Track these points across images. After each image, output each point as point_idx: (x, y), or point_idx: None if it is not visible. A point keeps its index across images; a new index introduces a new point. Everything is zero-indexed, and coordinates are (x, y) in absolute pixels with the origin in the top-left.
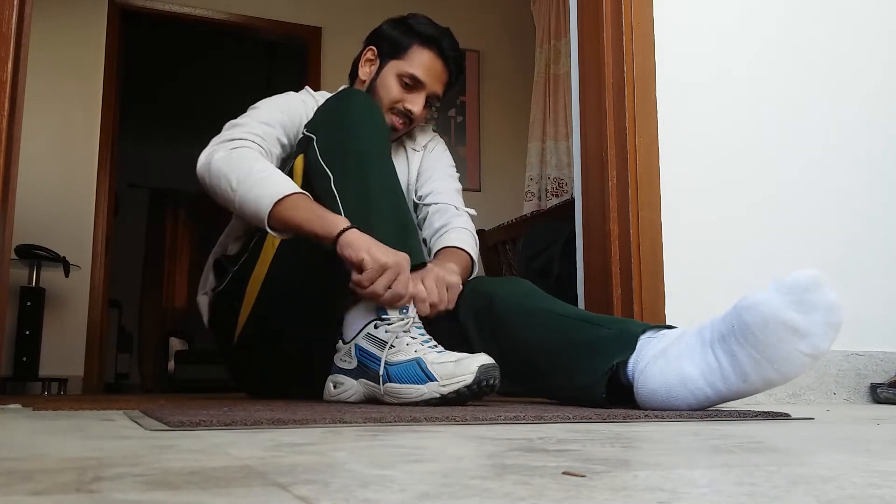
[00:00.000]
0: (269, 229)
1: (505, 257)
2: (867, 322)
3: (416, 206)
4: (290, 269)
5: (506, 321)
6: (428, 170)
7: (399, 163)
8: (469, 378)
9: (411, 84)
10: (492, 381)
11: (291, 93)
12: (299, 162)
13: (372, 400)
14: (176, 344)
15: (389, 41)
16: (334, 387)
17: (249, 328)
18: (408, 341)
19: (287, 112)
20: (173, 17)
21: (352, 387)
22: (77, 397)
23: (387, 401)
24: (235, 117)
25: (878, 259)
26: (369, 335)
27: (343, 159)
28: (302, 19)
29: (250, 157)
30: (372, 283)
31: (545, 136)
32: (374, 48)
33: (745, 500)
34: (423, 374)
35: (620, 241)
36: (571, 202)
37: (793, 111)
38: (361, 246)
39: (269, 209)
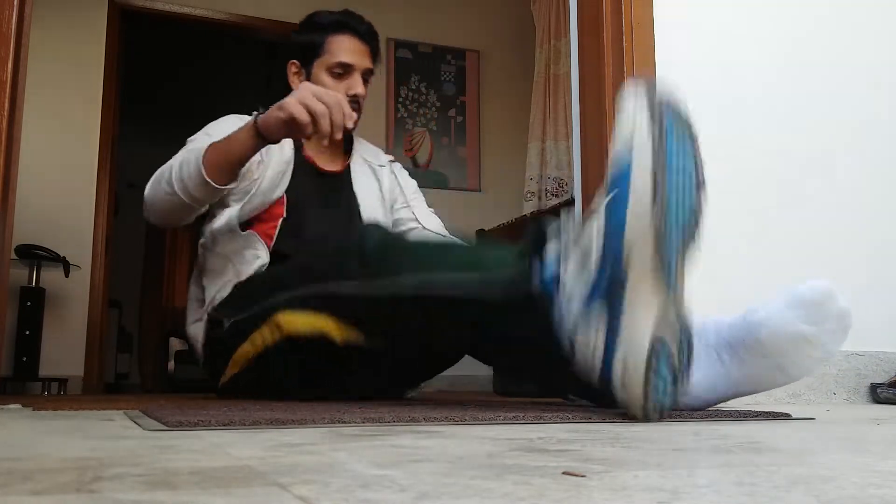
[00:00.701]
0: (212, 183)
1: None
2: (867, 322)
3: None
4: (270, 371)
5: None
6: (404, 192)
7: (367, 181)
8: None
9: (343, 71)
10: None
11: (233, 116)
12: None
13: None
14: (176, 344)
15: (305, 47)
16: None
17: (235, 385)
18: None
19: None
20: (173, 17)
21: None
22: (77, 397)
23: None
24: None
25: (878, 259)
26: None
27: None
28: (301, 19)
29: (169, 163)
30: (324, 119)
31: (545, 136)
32: (294, 62)
33: (745, 500)
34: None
35: None
36: (571, 202)
37: (793, 110)
38: (281, 106)
39: (201, 167)
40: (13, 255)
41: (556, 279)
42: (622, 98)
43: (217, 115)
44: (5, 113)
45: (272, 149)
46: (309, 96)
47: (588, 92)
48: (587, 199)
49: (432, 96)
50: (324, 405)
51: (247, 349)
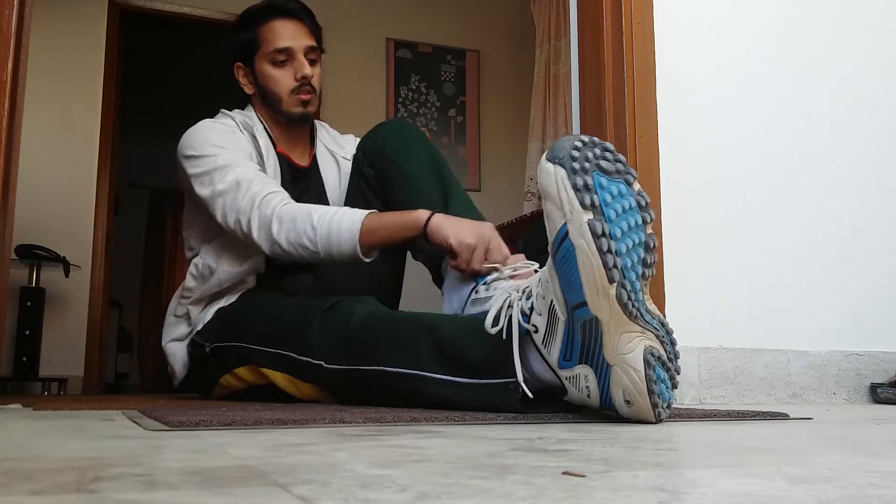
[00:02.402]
0: (363, 258)
1: None
2: (867, 322)
3: None
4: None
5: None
6: None
7: (332, 171)
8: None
9: (284, 57)
10: None
11: (211, 123)
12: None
13: None
14: None
15: (242, 46)
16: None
17: (241, 394)
18: (501, 289)
19: (236, 138)
20: (173, 17)
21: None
22: (77, 397)
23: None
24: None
25: (877, 258)
26: (474, 300)
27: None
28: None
29: (297, 212)
30: (468, 264)
31: (545, 136)
32: (238, 64)
33: (745, 500)
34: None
35: None
36: None
37: (793, 109)
38: (448, 231)
39: (357, 246)
40: (13, 255)
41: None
42: (541, 167)
43: (217, 114)
44: (5, 113)
45: (261, 151)
46: (482, 254)
47: (588, 92)
48: None
49: (432, 96)
50: (324, 405)
51: (232, 381)
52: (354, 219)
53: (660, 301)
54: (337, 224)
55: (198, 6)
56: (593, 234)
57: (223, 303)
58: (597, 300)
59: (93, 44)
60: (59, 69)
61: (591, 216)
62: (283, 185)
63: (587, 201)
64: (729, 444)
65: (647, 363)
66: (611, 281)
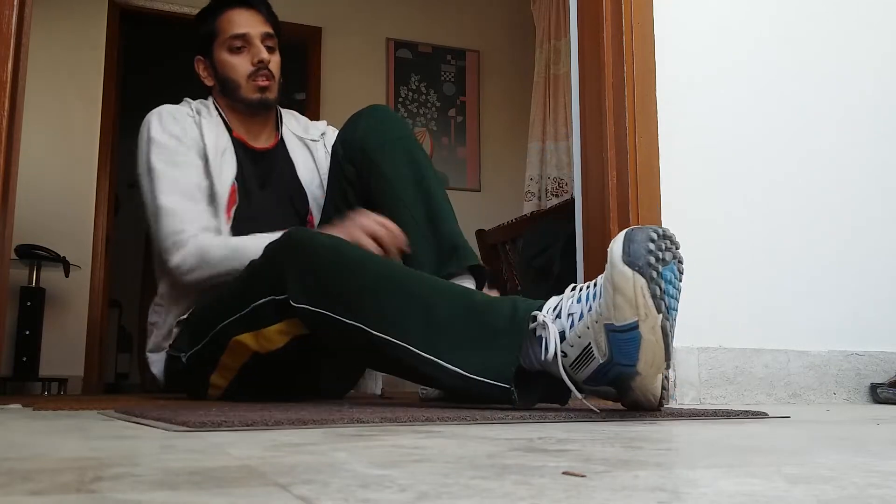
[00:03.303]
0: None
1: (505, 257)
2: (867, 322)
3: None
4: (264, 368)
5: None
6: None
7: (302, 156)
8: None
9: (241, 44)
10: None
11: (159, 122)
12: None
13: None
14: None
15: (201, 39)
16: (422, 390)
17: (234, 388)
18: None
19: (181, 155)
20: (173, 17)
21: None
22: (77, 397)
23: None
24: None
25: (877, 259)
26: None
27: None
28: (302, 19)
29: (212, 251)
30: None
31: (545, 136)
32: (199, 57)
33: (745, 500)
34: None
35: None
36: (571, 202)
37: (793, 110)
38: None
39: None
40: (13, 255)
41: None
42: (616, 266)
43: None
44: (5, 113)
45: (209, 141)
46: (350, 236)
47: (588, 92)
48: (587, 198)
49: (432, 96)
50: (324, 405)
51: (220, 378)
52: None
53: None
54: (251, 253)
55: (198, 6)
56: (664, 333)
57: (184, 313)
58: (648, 369)
59: (93, 44)
60: (59, 69)
61: (662, 317)
62: (242, 168)
63: (662, 307)
64: (729, 444)
65: (663, 386)
66: (666, 360)
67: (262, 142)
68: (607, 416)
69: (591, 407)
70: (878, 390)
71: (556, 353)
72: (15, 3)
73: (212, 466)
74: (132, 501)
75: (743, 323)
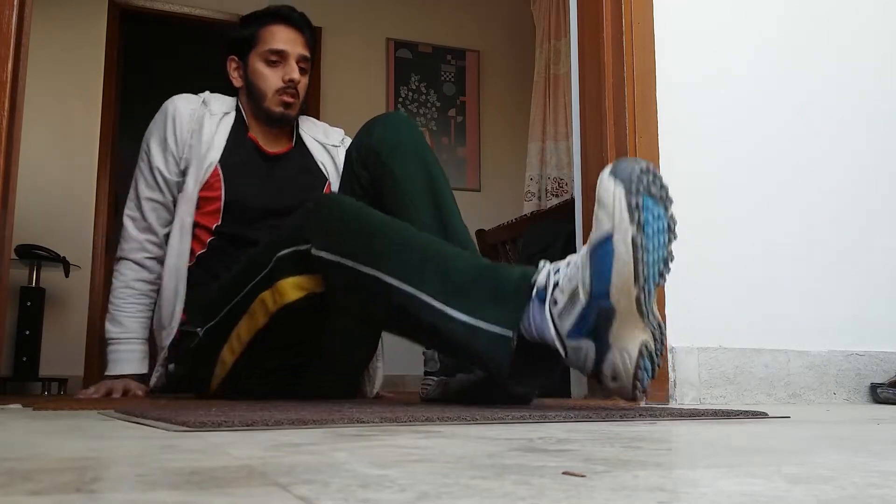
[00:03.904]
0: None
1: (505, 257)
2: (867, 322)
3: None
4: (274, 341)
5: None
6: None
7: (324, 158)
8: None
9: (277, 59)
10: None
11: (161, 129)
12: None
13: (449, 394)
14: None
15: (240, 42)
16: (422, 389)
17: (229, 382)
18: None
19: (159, 162)
20: (173, 16)
21: (432, 384)
22: (77, 397)
23: (456, 390)
24: None
25: (877, 259)
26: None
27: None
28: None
29: (116, 285)
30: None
31: (545, 136)
32: (233, 57)
33: (745, 499)
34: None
35: None
36: (571, 202)
37: (793, 111)
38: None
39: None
40: (13, 255)
41: (544, 297)
42: (602, 180)
43: None
44: (5, 113)
45: (206, 131)
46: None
47: (588, 92)
48: (587, 198)
49: (432, 96)
50: (324, 405)
51: (230, 352)
52: (107, 325)
53: (660, 301)
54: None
55: (198, 6)
56: (634, 245)
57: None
58: (619, 296)
59: (93, 44)
60: (58, 69)
61: (635, 231)
62: (252, 168)
63: (636, 218)
64: (729, 444)
65: (640, 353)
66: (635, 284)
67: (277, 147)
68: (607, 416)
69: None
70: (878, 390)
71: (547, 284)
72: (15, 3)
73: (212, 466)
74: (132, 501)
75: (743, 323)
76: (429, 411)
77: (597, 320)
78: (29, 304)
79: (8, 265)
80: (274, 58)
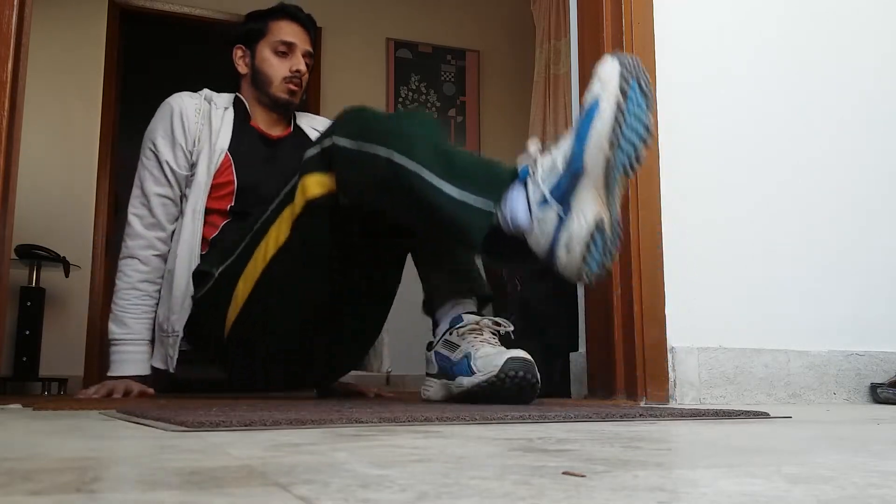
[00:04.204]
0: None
1: None
2: (867, 322)
3: None
4: (281, 282)
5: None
6: None
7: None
8: (495, 370)
9: (286, 50)
10: (521, 374)
11: (167, 116)
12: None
13: (449, 397)
14: None
15: (248, 33)
16: (423, 390)
17: (241, 324)
18: (470, 340)
19: (168, 158)
20: (173, 16)
21: (433, 386)
22: (77, 397)
23: (456, 393)
24: None
25: (877, 259)
26: (446, 341)
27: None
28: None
29: (120, 285)
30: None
31: (545, 136)
32: (241, 46)
33: (745, 499)
34: (468, 368)
35: (620, 240)
36: None
37: (793, 111)
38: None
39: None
40: (13, 255)
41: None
42: (604, 58)
43: None
44: (5, 113)
45: (214, 124)
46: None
47: None
48: None
49: (432, 96)
50: (325, 406)
51: (251, 271)
52: (110, 326)
53: (660, 301)
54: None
55: (198, 6)
56: (617, 107)
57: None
58: (592, 155)
59: (93, 44)
60: (58, 69)
61: (621, 99)
62: (245, 151)
63: (624, 88)
64: (729, 444)
65: (596, 225)
66: (609, 146)
67: (277, 131)
68: (607, 416)
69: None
70: (878, 390)
71: (533, 167)
72: (15, 3)
73: (212, 466)
74: (132, 501)
75: (743, 323)
76: (428, 411)
77: (567, 185)
78: (29, 304)
79: (8, 265)
80: (283, 48)
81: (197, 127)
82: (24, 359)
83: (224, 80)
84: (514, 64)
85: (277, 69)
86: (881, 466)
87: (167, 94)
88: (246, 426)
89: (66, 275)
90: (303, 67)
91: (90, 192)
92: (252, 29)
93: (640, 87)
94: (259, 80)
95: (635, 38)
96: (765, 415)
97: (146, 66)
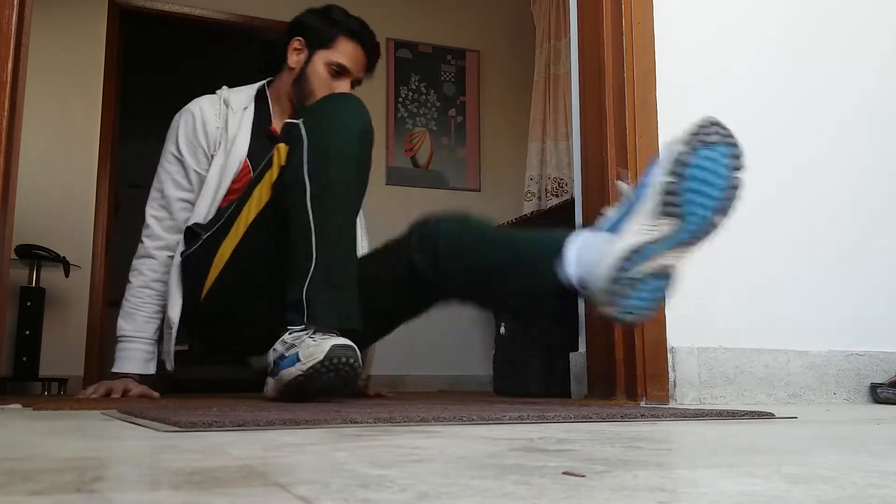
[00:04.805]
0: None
1: None
2: (867, 322)
3: None
4: (258, 244)
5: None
6: None
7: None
8: (320, 356)
9: (339, 71)
10: (343, 360)
11: (189, 115)
12: (283, 149)
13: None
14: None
15: (315, 32)
16: (264, 391)
17: (215, 292)
18: (304, 338)
19: (186, 156)
20: (173, 16)
21: (269, 383)
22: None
23: (285, 383)
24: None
25: (877, 259)
26: (283, 341)
27: (326, 180)
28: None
29: (134, 283)
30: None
31: (545, 136)
32: (300, 39)
33: (745, 500)
34: (295, 359)
35: None
36: (571, 202)
37: (793, 111)
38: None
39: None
40: (13, 255)
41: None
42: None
43: None
44: (5, 113)
45: (231, 129)
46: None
47: (588, 92)
48: (587, 198)
49: (432, 96)
50: (325, 406)
51: (229, 242)
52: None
53: None
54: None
55: (198, 6)
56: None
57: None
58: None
59: (93, 44)
60: (58, 69)
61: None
62: (254, 148)
63: (695, 142)
64: (729, 444)
65: (633, 248)
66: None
67: None
68: (608, 416)
69: None
70: (878, 390)
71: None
72: (15, 3)
73: (212, 466)
74: (132, 501)
75: (743, 323)
76: (428, 412)
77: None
78: (29, 304)
79: (8, 265)
80: (336, 69)
81: (218, 132)
82: (24, 359)
83: (224, 80)
84: (514, 64)
85: (322, 87)
86: (881, 466)
87: (167, 93)
88: (246, 426)
89: (66, 275)
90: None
91: (90, 192)
92: (321, 32)
93: (712, 143)
94: (302, 85)
95: (635, 38)
96: (770, 415)
97: (146, 65)
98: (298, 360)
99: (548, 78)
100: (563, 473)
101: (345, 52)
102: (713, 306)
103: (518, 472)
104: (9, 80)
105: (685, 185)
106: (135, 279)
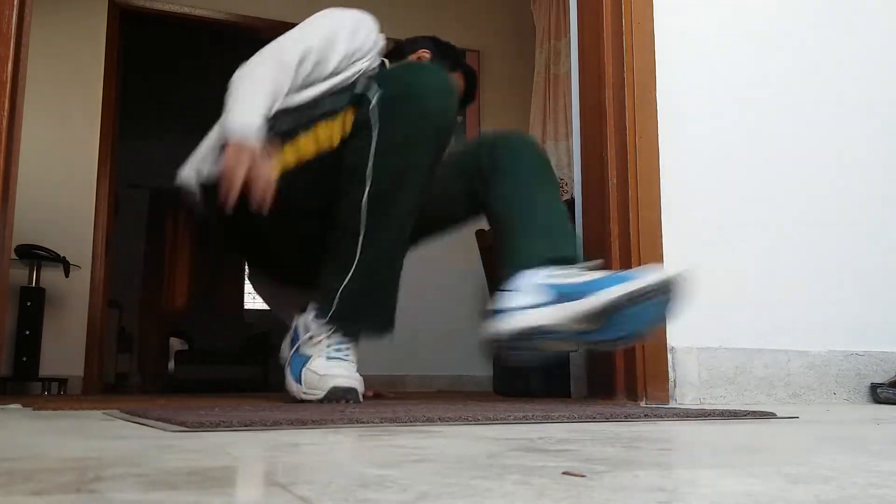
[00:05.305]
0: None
1: None
2: (867, 322)
3: None
4: (308, 180)
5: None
6: None
7: None
8: (320, 394)
9: None
10: (342, 402)
11: (361, 22)
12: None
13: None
14: (176, 344)
15: (443, 56)
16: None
17: (291, 179)
18: (317, 347)
19: (351, 40)
20: (173, 16)
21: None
22: (77, 397)
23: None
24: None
25: (877, 259)
26: (303, 325)
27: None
28: (302, 19)
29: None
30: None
31: (545, 136)
32: (429, 51)
33: (745, 499)
34: (298, 376)
35: (620, 241)
36: (571, 202)
37: (793, 111)
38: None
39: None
40: (13, 255)
41: None
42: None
43: (217, 114)
44: (5, 113)
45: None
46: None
47: (588, 92)
48: (587, 198)
49: None
50: (325, 406)
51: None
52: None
53: None
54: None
55: (198, 6)
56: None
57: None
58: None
59: (93, 44)
60: (59, 69)
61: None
62: None
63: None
64: (729, 444)
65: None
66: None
67: None
68: (608, 416)
69: None
70: (878, 390)
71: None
72: (15, 3)
73: (212, 466)
74: (132, 501)
75: (743, 323)
76: (429, 411)
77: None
78: (29, 304)
79: (8, 265)
80: None
81: (362, 53)
82: (24, 359)
83: (224, 80)
84: (514, 64)
85: None
86: (881, 466)
87: (168, 93)
88: (246, 426)
89: (66, 275)
90: None
91: (90, 192)
92: (446, 59)
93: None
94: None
95: (635, 38)
96: (770, 415)
97: (146, 65)
98: (300, 381)
99: (548, 78)
100: (564, 473)
101: (455, 81)
102: (713, 306)
103: (518, 472)
104: (9, 80)
105: (623, 312)
106: (255, 69)
